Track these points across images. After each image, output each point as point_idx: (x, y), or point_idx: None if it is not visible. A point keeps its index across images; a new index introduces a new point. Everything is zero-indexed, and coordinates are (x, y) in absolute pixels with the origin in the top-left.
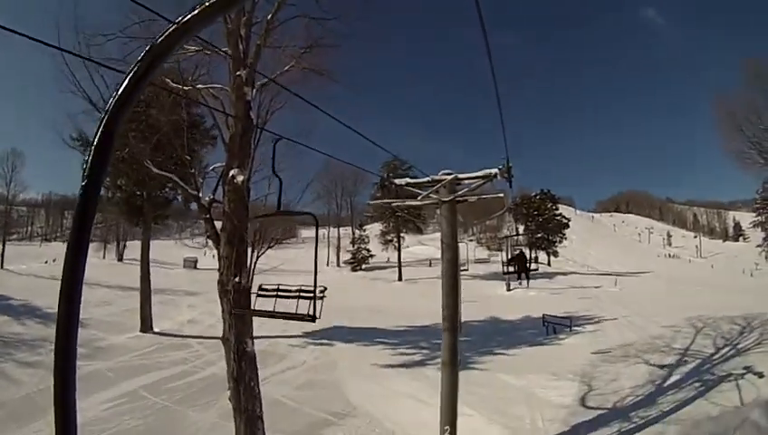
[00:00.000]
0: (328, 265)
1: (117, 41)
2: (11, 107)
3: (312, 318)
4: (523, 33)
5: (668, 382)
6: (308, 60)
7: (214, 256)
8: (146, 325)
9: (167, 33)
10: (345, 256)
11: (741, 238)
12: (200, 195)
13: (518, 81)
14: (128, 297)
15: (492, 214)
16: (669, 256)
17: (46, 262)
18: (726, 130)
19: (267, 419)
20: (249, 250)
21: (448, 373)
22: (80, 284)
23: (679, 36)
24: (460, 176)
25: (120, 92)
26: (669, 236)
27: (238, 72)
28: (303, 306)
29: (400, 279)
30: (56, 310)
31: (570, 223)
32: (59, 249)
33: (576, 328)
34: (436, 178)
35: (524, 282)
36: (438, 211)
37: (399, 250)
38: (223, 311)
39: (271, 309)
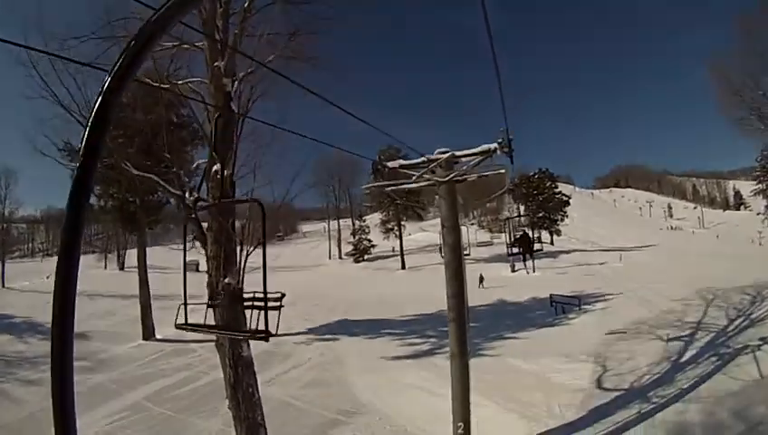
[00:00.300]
0: (330, 258)
1: (88, 43)
2: None
3: (265, 336)
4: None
5: (685, 358)
6: (291, 48)
7: None
8: (148, 333)
9: (146, 24)
10: (347, 249)
11: (742, 207)
12: (185, 194)
13: (513, 59)
14: (130, 306)
15: (492, 194)
16: (672, 228)
17: (48, 277)
18: (723, 96)
19: (274, 421)
20: (238, 248)
21: (458, 365)
22: (73, 285)
23: None
24: (457, 153)
25: (105, 87)
26: (670, 208)
27: (216, 63)
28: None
29: (404, 268)
30: None
31: (570, 200)
32: None
33: (585, 307)
34: (432, 157)
35: (530, 263)
36: (437, 195)
37: (401, 238)
38: (214, 315)
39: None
